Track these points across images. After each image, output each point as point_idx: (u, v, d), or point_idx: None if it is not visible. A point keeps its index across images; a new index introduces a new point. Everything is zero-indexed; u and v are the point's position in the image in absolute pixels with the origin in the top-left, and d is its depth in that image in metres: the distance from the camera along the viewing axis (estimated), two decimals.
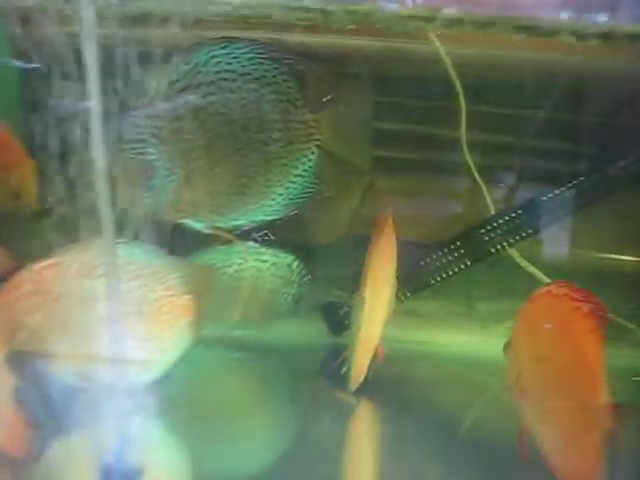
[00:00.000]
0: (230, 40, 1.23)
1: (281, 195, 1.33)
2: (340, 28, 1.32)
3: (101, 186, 1.05)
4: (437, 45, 1.40)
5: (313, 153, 1.32)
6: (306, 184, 1.33)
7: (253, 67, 1.25)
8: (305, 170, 1.32)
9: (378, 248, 1.25)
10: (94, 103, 1.03)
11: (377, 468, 1.20)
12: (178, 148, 1.25)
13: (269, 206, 1.33)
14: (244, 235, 1.36)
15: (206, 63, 1.22)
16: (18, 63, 1.38)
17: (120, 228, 1.10)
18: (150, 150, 1.23)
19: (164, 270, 1.23)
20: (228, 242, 1.36)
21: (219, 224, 1.33)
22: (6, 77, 1.41)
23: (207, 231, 1.33)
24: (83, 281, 1.17)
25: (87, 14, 1.02)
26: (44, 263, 1.18)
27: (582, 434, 0.98)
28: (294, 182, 1.32)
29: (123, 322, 1.16)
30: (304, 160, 1.32)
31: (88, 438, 1.18)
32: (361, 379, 1.28)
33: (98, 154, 1.05)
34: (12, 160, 1.28)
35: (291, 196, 1.33)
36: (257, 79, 1.25)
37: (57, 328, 1.17)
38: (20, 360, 1.12)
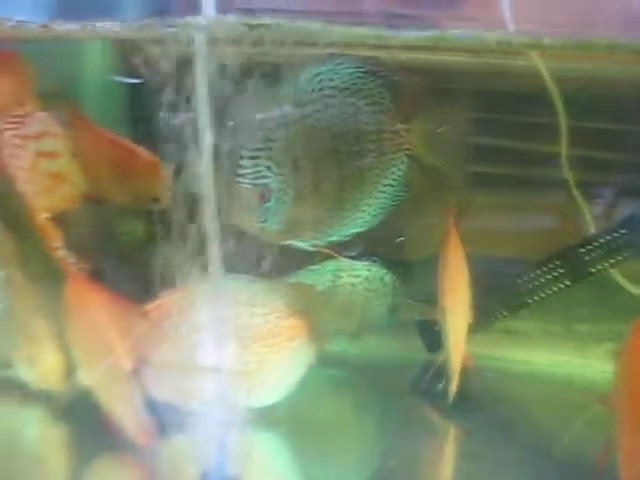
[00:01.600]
0: (331, 57, 1.25)
1: (371, 206, 1.33)
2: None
3: (209, 214, 1.10)
4: (537, 61, 1.38)
5: (402, 162, 1.32)
6: (395, 193, 1.34)
7: (352, 81, 1.27)
8: (394, 179, 1.33)
9: (448, 258, 1.29)
10: (206, 133, 1.07)
11: None
12: (290, 168, 1.26)
13: (360, 218, 1.33)
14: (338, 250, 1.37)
15: (311, 81, 1.25)
16: (126, 79, 1.45)
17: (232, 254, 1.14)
18: (265, 173, 1.25)
19: (265, 293, 1.24)
20: (321, 260, 1.37)
21: (319, 241, 1.34)
22: (115, 93, 1.47)
23: (311, 249, 1.34)
24: (190, 316, 1.20)
25: (199, 39, 1.06)
26: (152, 305, 1.21)
27: None
28: (383, 192, 1.33)
29: (233, 350, 1.19)
30: (393, 169, 1.32)
31: (190, 446, 1.21)
32: (455, 389, 1.28)
33: (207, 179, 1.09)
34: (146, 166, 1.32)
35: (381, 206, 1.34)
36: (355, 93, 1.27)
37: (170, 362, 1.21)
38: None
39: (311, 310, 1.27)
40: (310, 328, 1.26)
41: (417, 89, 1.31)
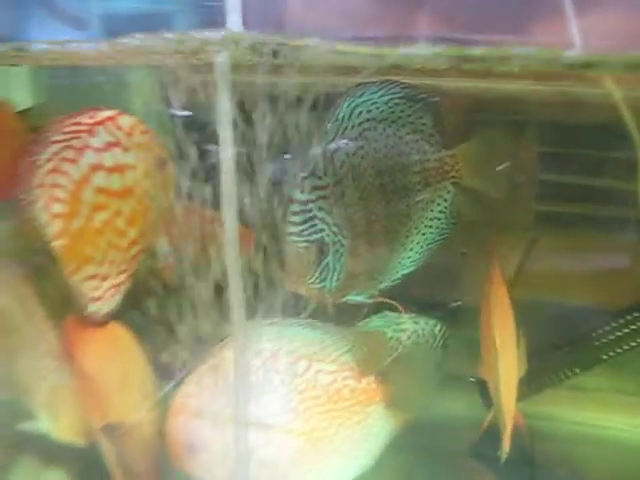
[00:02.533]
0: (366, 85, 1.14)
1: (418, 243, 1.22)
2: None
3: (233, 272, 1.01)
4: (611, 88, 1.25)
5: (449, 192, 1.22)
6: (442, 227, 1.22)
7: (390, 110, 1.16)
8: (441, 212, 1.22)
9: (492, 303, 1.18)
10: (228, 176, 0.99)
11: None
12: (341, 215, 1.13)
13: (408, 258, 1.22)
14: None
15: (350, 116, 1.14)
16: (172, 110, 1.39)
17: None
18: (320, 226, 1.12)
19: (331, 345, 1.13)
20: (366, 316, 1.25)
21: (372, 290, 1.21)
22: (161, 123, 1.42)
23: (368, 302, 1.21)
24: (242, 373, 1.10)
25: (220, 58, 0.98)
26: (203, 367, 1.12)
27: None
28: (430, 226, 1.22)
29: (293, 415, 1.09)
30: (439, 201, 1.21)
31: None
32: (507, 450, 1.15)
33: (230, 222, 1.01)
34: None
35: (428, 242, 1.22)
36: (394, 122, 1.17)
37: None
38: None
39: (392, 368, 1.15)
40: (391, 391, 1.14)
41: (460, 113, 1.21)
